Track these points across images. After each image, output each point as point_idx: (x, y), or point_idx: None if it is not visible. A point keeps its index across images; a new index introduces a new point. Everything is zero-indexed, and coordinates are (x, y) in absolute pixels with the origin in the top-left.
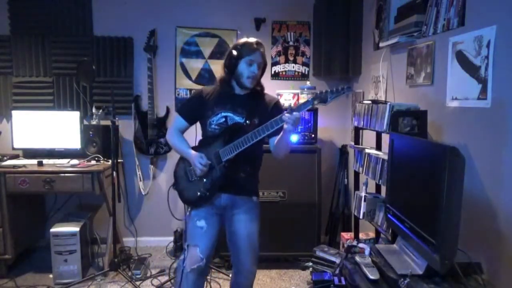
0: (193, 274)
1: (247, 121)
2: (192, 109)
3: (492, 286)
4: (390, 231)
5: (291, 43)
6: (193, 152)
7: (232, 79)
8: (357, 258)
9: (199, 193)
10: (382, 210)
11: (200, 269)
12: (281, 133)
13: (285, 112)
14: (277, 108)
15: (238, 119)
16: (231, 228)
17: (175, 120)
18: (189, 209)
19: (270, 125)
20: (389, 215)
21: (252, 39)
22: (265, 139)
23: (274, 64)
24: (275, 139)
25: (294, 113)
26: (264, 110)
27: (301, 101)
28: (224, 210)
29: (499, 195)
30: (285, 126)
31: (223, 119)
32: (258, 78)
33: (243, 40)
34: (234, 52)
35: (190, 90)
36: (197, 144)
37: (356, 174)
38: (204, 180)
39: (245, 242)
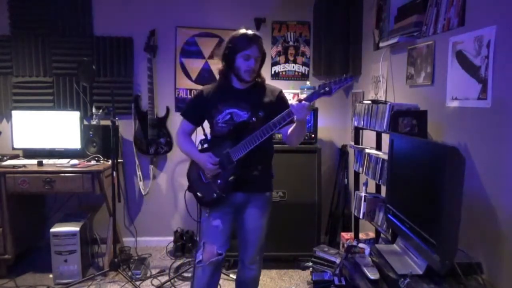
0: (211, 266)
1: (253, 118)
2: (196, 110)
3: (492, 286)
4: (390, 231)
5: (291, 43)
6: (200, 153)
7: (230, 73)
8: (357, 258)
9: (215, 195)
10: (382, 210)
11: (218, 262)
12: (294, 124)
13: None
14: (281, 99)
15: (243, 114)
16: (241, 221)
17: (182, 124)
18: (207, 211)
19: (278, 121)
20: (389, 215)
21: (249, 32)
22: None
23: (274, 64)
24: (288, 129)
25: (303, 102)
26: (269, 102)
27: None
28: (238, 207)
29: (499, 195)
30: (295, 117)
31: (229, 116)
32: (257, 71)
33: (240, 32)
34: (230, 46)
35: (190, 90)
36: (205, 146)
37: (356, 174)
38: (218, 181)
39: (251, 235)
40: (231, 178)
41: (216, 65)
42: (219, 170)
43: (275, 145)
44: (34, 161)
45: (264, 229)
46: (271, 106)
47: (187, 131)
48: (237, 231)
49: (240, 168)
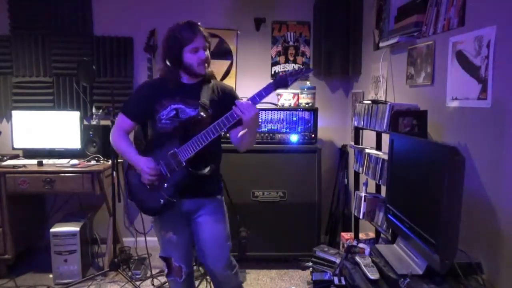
0: (183, 283)
1: (201, 114)
2: (138, 105)
3: (492, 286)
4: (390, 231)
5: (291, 43)
6: (139, 157)
7: (178, 69)
8: (357, 258)
9: (162, 201)
10: (382, 210)
11: (187, 276)
12: (242, 127)
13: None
14: (233, 98)
15: (190, 111)
16: (197, 231)
17: (119, 120)
18: (157, 223)
19: (223, 122)
20: (389, 215)
21: (187, 21)
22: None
23: (274, 64)
24: (238, 131)
25: (244, 100)
26: (218, 99)
27: (301, 100)
28: (188, 216)
29: (499, 195)
30: (243, 117)
31: (174, 112)
32: (208, 59)
33: (177, 25)
34: (173, 42)
35: None
36: (144, 146)
37: (356, 174)
38: (165, 185)
39: (211, 245)
40: (180, 181)
41: (216, 65)
42: (155, 177)
43: (275, 145)
44: (34, 161)
45: (225, 238)
46: (221, 104)
47: (124, 128)
48: (195, 245)
49: (191, 170)
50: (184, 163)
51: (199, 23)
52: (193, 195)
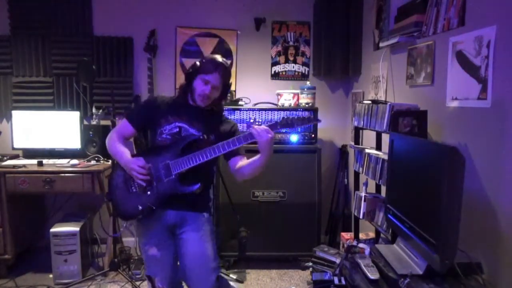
0: None
1: (204, 135)
2: (144, 116)
3: (492, 286)
4: (390, 231)
5: (291, 43)
6: (130, 158)
7: (187, 90)
8: (357, 258)
9: (141, 207)
10: (382, 210)
11: None
12: (257, 155)
13: (253, 125)
14: (236, 131)
15: (193, 131)
16: (181, 249)
17: (121, 125)
18: (124, 224)
19: (233, 142)
20: (389, 215)
21: (218, 59)
22: (220, 157)
23: (274, 64)
24: (238, 160)
25: (263, 126)
26: (223, 130)
27: (301, 100)
28: (172, 229)
29: (499, 195)
30: (258, 141)
31: (177, 129)
32: (213, 99)
33: (211, 56)
34: (196, 65)
35: None
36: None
37: (356, 174)
38: (148, 192)
39: (196, 264)
40: (165, 192)
41: None
42: (147, 177)
43: (275, 145)
44: (34, 161)
45: (210, 258)
46: (225, 134)
47: (124, 133)
48: (180, 263)
49: (178, 184)
50: (173, 176)
51: (226, 64)
52: (177, 208)
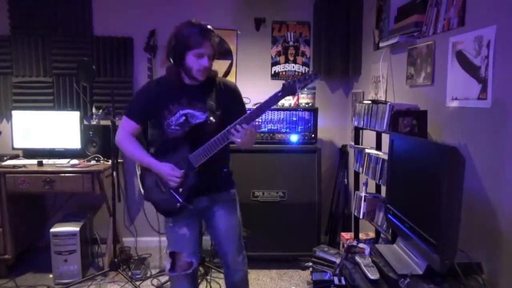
0: (187, 278)
1: (211, 119)
2: (143, 108)
3: (492, 286)
4: (390, 231)
5: (291, 43)
6: (159, 163)
7: (179, 70)
8: (357, 258)
9: (178, 204)
10: (382, 210)
11: (192, 272)
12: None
13: (239, 122)
14: (238, 96)
15: (199, 115)
16: (211, 223)
17: (125, 123)
18: (170, 220)
19: (236, 128)
20: (389, 215)
21: (201, 25)
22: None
23: (274, 64)
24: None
25: (244, 126)
26: (225, 99)
27: (301, 100)
28: (203, 210)
29: (499, 195)
30: (237, 144)
31: (183, 118)
32: (210, 68)
33: (190, 25)
34: (180, 42)
35: None
36: (154, 149)
37: (356, 174)
38: (180, 189)
39: (225, 235)
40: (194, 184)
41: (216, 65)
42: (181, 179)
43: (275, 145)
44: (34, 161)
45: (237, 228)
46: (228, 103)
47: (131, 131)
48: (211, 235)
49: (203, 173)
50: (196, 168)
51: (211, 28)
52: (208, 193)
